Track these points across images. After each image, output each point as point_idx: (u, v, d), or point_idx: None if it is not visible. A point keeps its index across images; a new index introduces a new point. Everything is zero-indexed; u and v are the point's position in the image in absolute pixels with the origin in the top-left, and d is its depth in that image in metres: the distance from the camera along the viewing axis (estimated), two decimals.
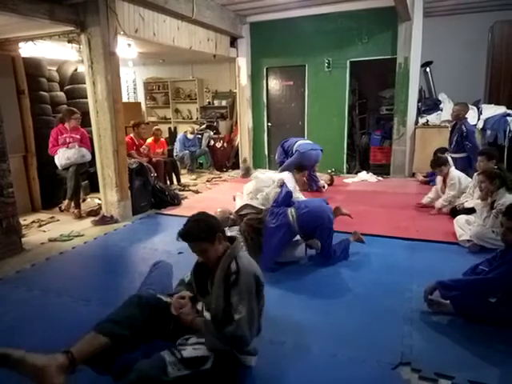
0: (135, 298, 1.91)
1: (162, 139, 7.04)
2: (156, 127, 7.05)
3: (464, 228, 3.76)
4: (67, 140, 4.88)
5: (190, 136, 7.78)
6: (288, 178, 4.62)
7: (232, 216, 3.86)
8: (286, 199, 3.47)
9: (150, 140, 6.77)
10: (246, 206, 4.05)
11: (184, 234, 1.89)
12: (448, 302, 2.49)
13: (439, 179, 4.95)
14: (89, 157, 5.00)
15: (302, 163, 5.12)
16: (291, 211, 3.24)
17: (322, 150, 6.01)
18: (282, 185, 3.91)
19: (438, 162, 4.85)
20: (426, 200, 4.99)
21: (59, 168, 4.94)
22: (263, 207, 3.80)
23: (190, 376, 1.73)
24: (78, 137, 4.97)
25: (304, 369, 2.05)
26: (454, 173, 4.77)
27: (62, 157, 4.86)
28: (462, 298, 2.43)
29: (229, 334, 1.78)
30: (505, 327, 2.33)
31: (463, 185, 4.67)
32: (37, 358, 1.54)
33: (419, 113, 6.84)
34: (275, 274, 3.17)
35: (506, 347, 2.18)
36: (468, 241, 3.59)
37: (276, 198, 3.59)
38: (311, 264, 3.37)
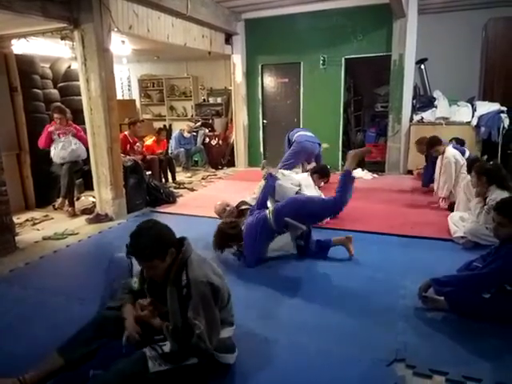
0: (93, 319, 1.92)
1: (164, 139, 7.03)
2: (160, 127, 7.03)
3: (458, 224, 3.78)
4: (60, 136, 4.85)
5: (186, 134, 7.76)
6: (306, 179, 4.65)
7: (228, 208, 3.91)
8: (263, 200, 3.49)
9: (150, 141, 6.76)
10: (242, 202, 4.08)
11: (135, 252, 1.76)
12: (442, 298, 2.50)
13: (439, 162, 4.94)
14: (84, 155, 4.97)
15: (301, 154, 5.53)
16: (269, 209, 3.27)
17: (319, 144, 6.06)
18: (267, 178, 3.83)
19: (432, 142, 4.80)
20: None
21: (53, 161, 4.92)
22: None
23: (172, 371, 1.72)
24: (71, 129, 4.94)
25: (298, 366, 2.05)
26: (450, 151, 4.72)
27: (57, 156, 4.85)
28: (456, 294, 2.44)
29: (191, 346, 1.71)
30: (498, 323, 2.35)
31: (461, 162, 4.65)
32: None
33: (414, 110, 6.86)
34: (268, 271, 3.19)
35: (499, 342, 2.20)
36: (462, 237, 3.61)
37: (257, 200, 3.61)
38: (304, 260, 3.37)
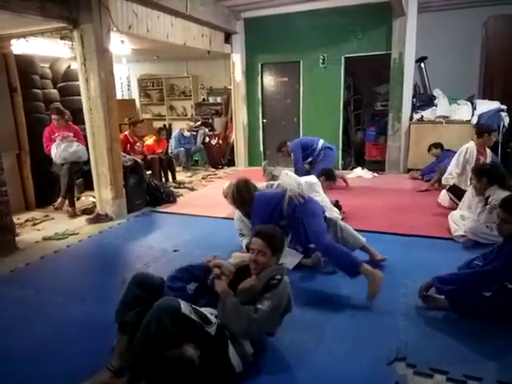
0: (131, 280, 2.08)
1: (164, 139, 7.04)
2: (160, 127, 7.02)
3: (458, 223, 3.77)
4: (63, 140, 4.85)
5: (186, 133, 7.77)
6: (318, 183, 4.52)
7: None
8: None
9: (151, 141, 6.76)
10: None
11: (264, 232, 2.15)
12: (443, 297, 2.50)
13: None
14: (85, 157, 4.94)
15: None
16: (289, 194, 3.04)
17: None
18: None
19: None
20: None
21: (54, 161, 4.91)
22: None
23: (195, 326, 1.80)
24: (70, 134, 4.94)
25: (300, 364, 2.05)
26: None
27: (59, 156, 4.84)
28: (456, 293, 2.44)
29: (243, 315, 1.90)
30: (499, 321, 2.34)
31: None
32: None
33: (414, 108, 6.85)
34: None
35: (500, 341, 2.20)
36: (462, 236, 3.61)
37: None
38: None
